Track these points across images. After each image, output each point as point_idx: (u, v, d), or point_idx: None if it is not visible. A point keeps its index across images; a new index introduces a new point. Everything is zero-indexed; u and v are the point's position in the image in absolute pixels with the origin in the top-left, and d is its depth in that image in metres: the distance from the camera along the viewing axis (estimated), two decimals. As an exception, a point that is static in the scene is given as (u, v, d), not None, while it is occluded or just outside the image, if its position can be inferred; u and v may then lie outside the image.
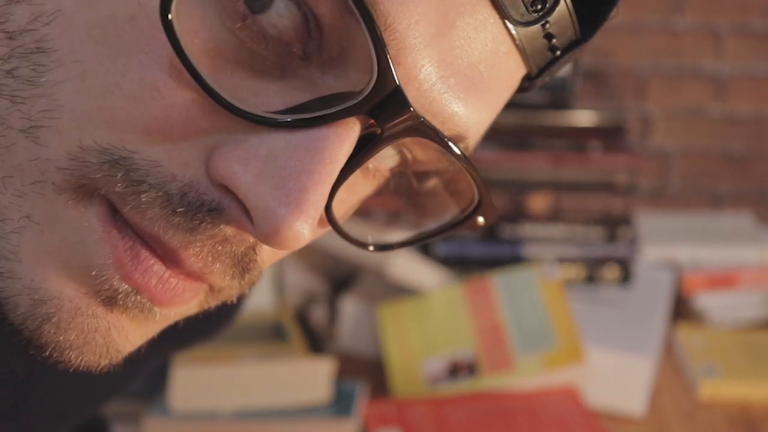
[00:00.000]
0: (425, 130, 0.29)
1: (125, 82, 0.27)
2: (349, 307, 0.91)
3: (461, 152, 0.30)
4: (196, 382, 0.72)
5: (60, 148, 0.28)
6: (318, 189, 0.28)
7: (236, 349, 0.77)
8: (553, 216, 0.97)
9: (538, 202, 0.97)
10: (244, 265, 0.31)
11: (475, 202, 0.34)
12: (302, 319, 0.88)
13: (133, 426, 0.72)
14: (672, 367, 0.88)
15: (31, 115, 0.28)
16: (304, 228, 0.28)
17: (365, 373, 0.83)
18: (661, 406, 0.82)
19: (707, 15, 1.43)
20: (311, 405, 0.73)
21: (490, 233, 0.96)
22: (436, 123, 0.30)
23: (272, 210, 0.27)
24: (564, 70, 0.96)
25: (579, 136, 0.97)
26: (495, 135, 0.93)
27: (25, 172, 0.29)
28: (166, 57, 0.27)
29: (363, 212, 0.88)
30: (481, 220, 0.34)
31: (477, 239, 0.95)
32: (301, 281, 0.97)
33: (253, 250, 0.31)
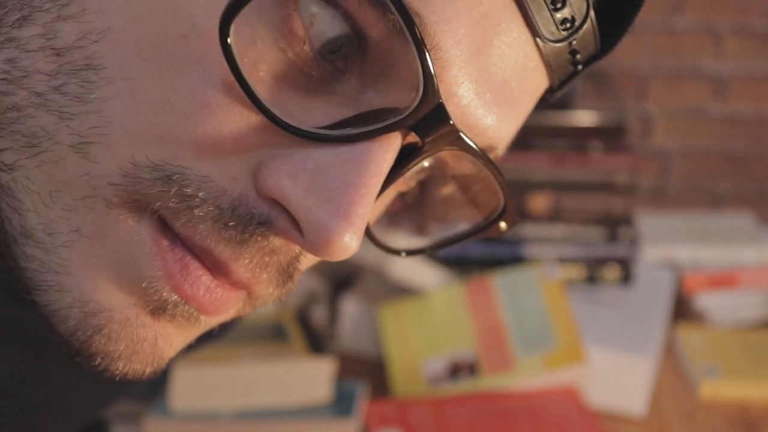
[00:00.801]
0: (462, 144, 0.30)
1: (177, 100, 0.28)
2: (350, 307, 0.91)
3: (493, 163, 0.32)
4: (196, 382, 0.72)
5: (112, 164, 0.28)
6: (365, 201, 0.29)
7: (236, 349, 0.77)
8: (554, 216, 0.97)
9: (539, 202, 0.97)
10: (288, 274, 0.33)
11: (500, 209, 0.35)
12: (303, 319, 0.88)
13: (134, 426, 0.72)
14: (672, 367, 0.88)
15: (80, 131, 0.28)
16: (353, 239, 0.29)
17: (366, 373, 0.83)
18: (661, 406, 0.82)
19: (707, 15, 1.43)
20: (312, 405, 0.73)
21: (490, 233, 0.95)
22: (471, 135, 0.31)
23: (323, 222, 0.28)
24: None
25: (579, 136, 0.97)
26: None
27: (75, 186, 0.29)
28: (218, 76, 0.28)
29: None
30: (503, 225, 0.35)
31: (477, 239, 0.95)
32: (302, 281, 0.97)
33: (297, 259, 0.33)
